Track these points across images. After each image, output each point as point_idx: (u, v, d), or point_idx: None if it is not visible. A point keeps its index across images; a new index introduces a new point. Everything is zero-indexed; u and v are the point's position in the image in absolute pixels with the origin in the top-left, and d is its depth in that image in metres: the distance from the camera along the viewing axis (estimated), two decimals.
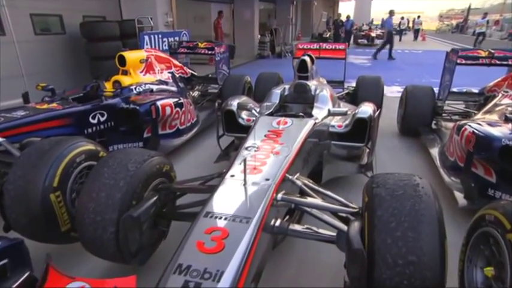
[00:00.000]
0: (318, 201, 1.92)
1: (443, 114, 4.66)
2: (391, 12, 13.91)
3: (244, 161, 1.88)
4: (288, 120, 2.68)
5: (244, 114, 3.46)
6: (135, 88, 4.04)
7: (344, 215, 1.83)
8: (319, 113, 3.03)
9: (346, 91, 5.31)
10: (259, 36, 14.75)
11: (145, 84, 4.23)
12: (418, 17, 27.47)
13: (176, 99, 4.07)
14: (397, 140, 4.74)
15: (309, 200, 1.93)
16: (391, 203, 1.47)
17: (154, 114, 3.68)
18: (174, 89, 4.68)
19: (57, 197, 2.03)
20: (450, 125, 3.86)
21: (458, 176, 3.00)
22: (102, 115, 3.51)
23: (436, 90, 4.77)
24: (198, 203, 1.95)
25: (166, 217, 2.17)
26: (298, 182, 2.06)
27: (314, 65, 4.09)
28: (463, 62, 4.48)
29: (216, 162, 3.50)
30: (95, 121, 3.47)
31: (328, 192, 2.01)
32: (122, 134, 3.65)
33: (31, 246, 1.63)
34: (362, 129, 3.14)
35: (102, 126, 3.53)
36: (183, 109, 4.17)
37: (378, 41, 20.38)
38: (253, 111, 3.25)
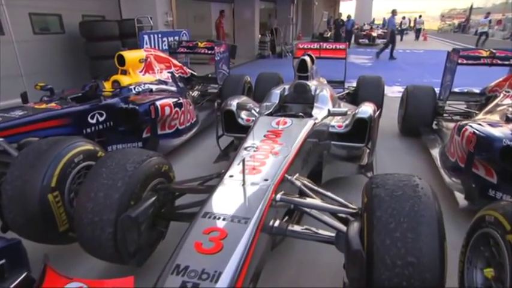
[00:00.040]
0: (317, 201, 1.91)
1: (444, 115, 4.64)
2: (394, 12, 13.88)
3: (243, 161, 1.87)
4: (288, 120, 2.67)
5: (243, 114, 3.45)
6: (134, 88, 4.03)
7: (343, 215, 1.83)
8: (319, 113, 3.01)
9: (346, 91, 5.29)
10: (259, 36, 14.74)
11: (145, 84, 4.22)
12: (420, 16, 27.44)
13: (175, 99, 4.06)
14: (397, 141, 4.72)
15: (308, 200, 1.92)
16: (390, 204, 1.47)
17: (154, 114, 3.66)
18: (173, 88, 4.68)
19: (55, 197, 2.02)
20: (451, 125, 3.85)
21: (459, 177, 2.99)
22: (101, 115, 3.50)
23: (437, 90, 4.75)
24: (197, 203, 1.94)
25: (165, 217, 2.16)
26: (298, 183, 2.05)
27: (314, 65, 4.08)
28: (464, 62, 4.47)
29: (215, 162, 3.49)
30: (94, 121, 3.46)
31: (328, 193, 2.00)
32: (120, 134, 3.65)
33: (29, 246, 1.61)
34: (362, 130, 3.13)
35: (101, 126, 3.52)
36: (183, 109, 4.16)
37: (379, 41, 20.39)
38: (253, 111, 3.25)
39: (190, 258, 1.38)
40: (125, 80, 4.07)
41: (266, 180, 1.91)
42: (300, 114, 2.95)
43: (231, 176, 1.97)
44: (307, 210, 1.88)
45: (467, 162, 2.80)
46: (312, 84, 3.54)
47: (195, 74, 5.97)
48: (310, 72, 3.75)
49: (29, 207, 1.95)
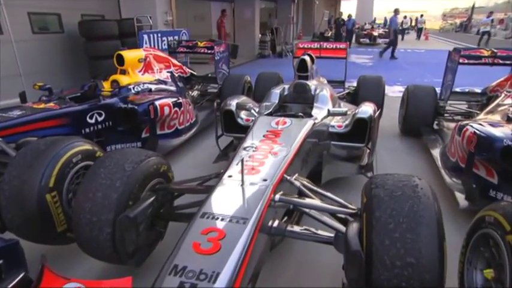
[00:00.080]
0: (316, 202, 1.91)
1: (445, 115, 4.63)
2: (396, 11, 13.84)
3: (242, 161, 1.87)
4: (287, 120, 2.66)
5: (243, 114, 3.44)
6: (134, 88, 4.02)
7: (343, 216, 1.82)
8: (318, 113, 3.01)
9: (347, 91, 5.28)
10: (259, 35, 14.71)
11: (144, 83, 4.21)
12: (421, 15, 27.35)
13: (175, 99, 4.05)
14: (398, 141, 4.71)
15: (307, 200, 1.92)
16: (389, 204, 1.46)
17: (153, 114, 3.65)
18: (173, 88, 4.66)
19: (53, 197, 2.01)
20: (452, 125, 3.83)
21: (459, 177, 2.98)
22: (100, 115, 3.49)
23: (438, 90, 4.74)
24: (196, 203, 1.94)
25: (164, 218, 2.16)
26: (297, 183, 2.04)
27: (314, 65, 4.07)
28: (466, 61, 4.46)
29: (215, 162, 3.48)
30: (93, 121, 3.45)
31: (327, 193, 1.99)
32: (119, 134, 3.64)
33: (26, 247, 1.61)
34: (362, 130, 3.12)
35: (99, 126, 3.51)
36: (182, 109, 4.15)
37: (380, 40, 20.35)
38: (252, 111, 3.24)
39: (188, 259, 1.37)
40: (124, 80, 4.06)
41: (265, 180, 1.91)
42: (300, 114, 2.94)
43: (230, 176, 1.96)
44: (306, 210, 1.88)
45: (467, 162, 2.78)
46: (312, 84, 3.53)
47: (195, 73, 5.96)
48: (310, 72, 3.73)
49: (27, 207, 1.94)
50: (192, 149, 4.40)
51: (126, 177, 1.88)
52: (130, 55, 4.30)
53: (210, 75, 6.30)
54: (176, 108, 4.01)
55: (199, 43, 5.83)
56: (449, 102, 4.67)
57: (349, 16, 19.10)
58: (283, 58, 14.03)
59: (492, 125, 2.80)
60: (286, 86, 3.57)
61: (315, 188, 2.07)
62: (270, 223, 1.78)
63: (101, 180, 1.87)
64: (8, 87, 5.06)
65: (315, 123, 2.76)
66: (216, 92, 5.62)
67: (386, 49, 14.13)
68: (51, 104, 3.36)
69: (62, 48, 6.88)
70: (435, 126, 4.57)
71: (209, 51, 5.74)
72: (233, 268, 1.34)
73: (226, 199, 1.78)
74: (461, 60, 4.44)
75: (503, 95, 3.88)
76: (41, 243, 2.09)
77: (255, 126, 2.63)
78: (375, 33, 21.04)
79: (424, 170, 3.69)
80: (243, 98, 3.69)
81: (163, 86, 4.51)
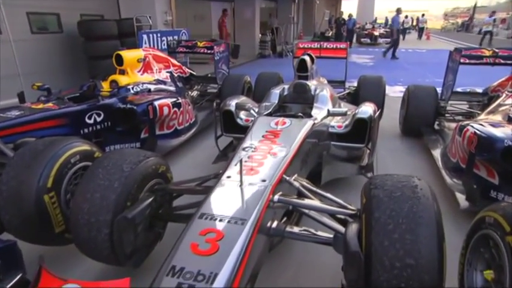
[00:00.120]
0: (315, 202, 1.90)
1: (446, 115, 4.61)
2: (398, 10, 13.81)
3: (240, 161, 1.86)
4: (287, 120, 2.65)
5: (242, 115, 3.43)
6: (133, 88, 4.00)
7: (342, 217, 1.81)
8: (318, 113, 3.00)
9: (347, 91, 5.27)
10: (260, 35, 14.70)
11: (143, 83, 4.19)
12: (423, 15, 27.25)
13: (174, 99, 4.04)
14: (398, 141, 4.70)
15: (307, 201, 1.91)
16: (388, 205, 1.46)
17: (152, 115, 3.64)
18: (172, 88, 4.65)
19: (51, 198, 2.00)
20: (453, 125, 3.81)
21: (460, 178, 2.97)
22: (99, 115, 3.48)
23: (439, 90, 4.72)
24: (195, 204, 1.94)
25: (162, 218, 2.15)
26: (296, 183, 2.03)
27: (314, 65, 4.06)
28: (467, 61, 4.44)
29: (214, 163, 3.47)
30: (91, 121, 3.44)
31: (327, 194, 1.99)
32: (118, 134, 3.63)
33: (24, 247, 1.61)
34: (362, 130, 3.11)
35: (98, 127, 3.50)
36: (181, 109, 4.14)
37: (381, 40, 20.32)
38: (252, 111, 3.23)
39: (186, 260, 1.37)
40: (123, 80, 4.04)
41: (264, 181, 1.90)
42: (300, 114, 2.93)
43: (229, 177, 1.96)
44: (306, 211, 1.87)
45: (468, 163, 2.77)
46: (312, 84, 3.52)
47: (194, 73, 5.95)
48: (310, 72, 3.73)
49: (25, 208, 1.93)
50: (192, 150, 4.39)
51: (125, 178, 1.87)
52: (129, 55, 4.29)
53: (209, 75, 6.29)
54: (175, 109, 4.00)
55: (198, 43, 5.82)
56: (450, 102, 4.66)
57: (350, 16, 19.03)
58: (283, 58, 14.01)
59: (493, 125, 2.79)
60: (286, 86, 3.56)
61: (314, 189, 2.06)
62: (268, 224, 1.78)
63: (99, 181, 1.86)
64: (7, 88, 5.05)
65: (314, 124, 2.75)
66: (215, 92, 5.61)
67: (390, 48, 14.08)
68: (50, 104, 3.35)
69: (61, 48, 6.87)
70: (436, 127, 4.55)
71: (209, 51, 5.74)
72: (231, 269, 1.34)
73: (225, 200, 1.78)
74: (462, 60, 4.42)
75: (504, 95, 3.86)
76: (38, 244, 2.09)
77: (254, 127, 2.63)
78: (376, 33, 21.03)
79: (425, 171, 3.68)
80: (243, 98, 3.68)
81: (162, 86, 4.50)
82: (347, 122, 3.21)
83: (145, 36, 6.90)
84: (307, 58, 3.74)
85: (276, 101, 3.33)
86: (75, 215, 1.84)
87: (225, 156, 3.51)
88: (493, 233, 1.48)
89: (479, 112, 4.14)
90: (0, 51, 5.40)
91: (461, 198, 2.77)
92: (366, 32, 21.57)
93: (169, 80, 4.81)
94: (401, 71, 10.79)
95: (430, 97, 4.46)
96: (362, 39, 21.06)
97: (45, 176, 1.99)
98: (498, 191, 2.64)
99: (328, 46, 5.78)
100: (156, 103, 3.70)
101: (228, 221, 1.57)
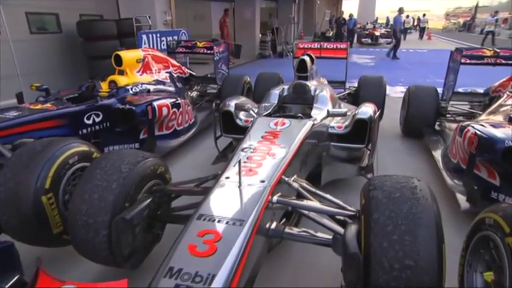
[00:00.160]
0: (314, 203, 1.89)
1: (447, 115, 4.60)
2: (401, 10, 13.78)
3: (239, 162, 1.86)
4: (286, 121, 2.64)
5: (242, 115, 3.42)
6: (132, 88, 3.99)
7: (342, 218, 1.80)
8: (318, 113, 2.99)
9: (347, 91, 5.25)
10: (260, 35, 14.68)
11: (142, 84, 4.19)
12: (424, 15, 27.16)
13: (173, 100, 4.03)
14: (399, 142, 4.68)
15: (306, 202, 1.90)
16: (387, 206, 1.45)
17: (151, 115, 3.62)
18: (171, 89, 4.64)
19: (49, 199, 2.00)
20: (454, 126, 3.80)
21: (460, 179, 2.95)
22: (97, 116, 3.47)
23: (440, 90, 4.70)
24: (194, 205, 1.92)
25: (161, 220, 2.14)
26: (295, 184, 2.03)
27: (314, 65, 4.05)
28: (468, 61, 4.42)
29: (213, 163, 3.46)
30: (90, 122, 3.43)
31: (326, 195, 1.98)
32: (117, 135, 3.62)
33: (21, 249, 1.60)
34: (362, 130, 3.10)
35: (97, 127, 3.49)
36: (181, 110, 4.13)
37: (381, 40, 20.29)
38: (251, 112, 3.22)
39: (183, 261, 1.37)
40: (122, 80, 4.04)
41: (263, 181, 1.89)
42: (299, 115, 2.92)
43: (227, 178, 1.95)
44: (305, 212, 1.86)
45: (468, 163, 2.76)
46: (312, 84, 3.52)
47: (194, 74, 5.93)
48: (309, 72, 3.72)
49: (22, 209, 1.92)
50: (191, 150, 4.38)
51: (123, 179, 1.87)
52: (128, 55, 4.28)
53: (209, 75, 6.28)
54: (175, 109, 3.99)
55: (198, 43, 5.81)
56: (451, 102, 4.64)
57: (351, 15, 18.99)
58: (283, 58, 14.00)
59: (493, 125, 2.77)
60: (286, 87, 3.55)
61: (313, 190, 2.05)
62: (267, 225, 1.77)
63: (97, 182, 1.86)
64: (6, 88, 5.04)
65: (314, 124, 2.74)
66: (215, 93, 5.61)
67: (393, 48, 14.03)
68: (48, 105, 3.35)
69: (60, 49, 6.86)
70: (437, 127, 4.53)
71: (208, 52, 5.73)
72: (229, 270, 1.33)
73: (223, 201, 1.77)
74: (463, 60, 4.41)
75: (505, 95, 3.84)
76: (36, 246, 2.08)
77: (254, 127, 2.62)
78: (377, 33, 20.98)
79: (425, 172, 3.66)
80: (242, 99, 3.67)
81: (161, 87, 4.49)
82: (347, 123, 3.20)
83: (144, 37, 6.89)
84: (306, 58, 3.74)
85: (276, 102, 3.32)
86: (73, 216, 1.83)
87: (225, 157, 3.49)
88: (493, 234, 1.47)
89: (480, 112, 4.12)
90: None
91: (461, 199, 2.75)
92: (367, 32, 21.52)
93: (168, 81, 4.80)
94: (402, 71, 10.77)
95: (431, 97, 4.44)
96: (363, 40, 21.01)
97: (43, 177, 1.98)
98: (499, 192, 2.62)
99: (328, 46, 5.76)
100: (155, 104, 3.69)
101: (227, 222, 1.57)
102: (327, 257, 1.92)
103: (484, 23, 21.91)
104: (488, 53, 4.48)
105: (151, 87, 4.28)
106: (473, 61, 4.45)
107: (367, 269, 1.35)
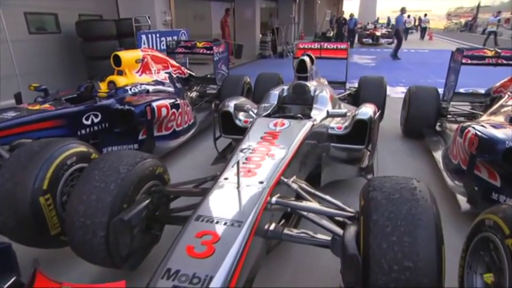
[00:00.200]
0: (313, 205, 1.88)
1: (448, 116, 4.58)
2: (403, 10, 13.74)
3: (237, 163, 1.85)
4: (286, 121, 2.63)
5: (241, 116, 3.41)
6: (131, 89, 3.97)
7: (341, 219, 1.80)
8: (317, 114, 2.98)
9: (347, 92, 5.24)
10: (260, 35, 14.66)
11: (141, 84, 4.17)
12: (425, 15, 27.09)
13: (173, 100, 4.01)
14: (400, 142, 4.66)
15: (305, 203, 1.89)
16: (387, 207, 1.45)
17: (150, 116, 3.60)
18: (171, 89, 4.63)
19: (46, 200, 1.99)
20: (455, 126, 3.79)
21: (461, 180, 2.94)
22: (96, 116, 3.46)
23: (441, 90, 4.69)
24: (193, 206, 1.91)
25: (159, 221, 2.14)
26: (294, 185, 2.02)
27: (314, 65, 4.05)
28: (469, 61, 4.41)
29: (213, 164, 3.45)
30: (89, 122, 3.42)
31: (326, 196, 1.97)
32: (116, 135, 3.61)
33: (19, 250, 1.59)
34: (362, 131, 3.09)
35: (95, 128, 3.49)
36: (180, 110, 4.11)
37: (382, 40, 20.25)
38: (251, 112, 3.21)
39: (181, 262, 1.36)
40: (120, 81, 4.02)
41: (261, 182, 1.89)
42: (299, 115, 2.91)
43: (226, 179, 1.94)
44: (304, 213, 1.86)
45: (469, 164, 2.74)
46: (312, 85, 3.51)
47: (194, 74, 5.92)
48: (309, 72, 3.71)
49: (20, 210, 1.91)
50: (191, 151, 4.37)
51: (121, 180, 1.86)
52: (127, 56, 4.26)
53: (209, 76, 6.27)
54: (174, 110, 3.97)
55: (198, 43, 5.80)
56: (452, 103, 4.62)
57: (351, 15, 18.96)
58: (284, 59, 13.97)
59: (494, 126, 2.75)
60: (286, 87, 3.54)
61: (312, 191, 2.05)
62: (266, 226, 1.76)
63: (95, 183, 1.85)
64: (5, 88, 5.03)
65: (313, 125, 2.73)
66: (215, 93, 5.59)
67: (395, 48, 13.99)
68: (47, 105, 3.33)
69: (59, 49, 6.84)
70: (438, 128, 4.52)
71: (208, 52, 5.72)
72: (227, 272, 1.33)
73: (222, 202, 1.76)
74: (464, 61, 4.39)
75: (506, 96, 3.82)
76: (34, 247, 2.07)
77: (253, 128, 2.61)
78: (378, 33, 20.92)
79: (426, 173, 3.65)
80: (242, 99, 3.66)
81: (161, 87, 4.47)
82: (347, 123, 3.19)
83: (144, 37, 6.87)
84: (306, 59, 3.73)
85: (275, 102, 3.31)
86: (70, 217, 1.83)
87: (224, 157, 3.49)
88: (493, 235, 1.46)
89: (481, 113, 4.10)
90: None
91: (462, 200, 2.74)
92: (368, 32, 21.47)
93: (168, 81, 4.78)
94: (403, 72, 10.75)
95: (432, 98, 4.42)
96: (364, 40, 20.97)
97: (40, 177, 1.97)
98: (500, 193, 2.61)
99: (328, 47, 5.75)
100: (154, 104, 3.67)
101: (225, 223, 1.56)
102: (326, 258, 1.91)
103: (486, 23, 21.79)
104: (490, 54, 4.46)
105: (151, 88, 4.27)
106: (474, 61, 4.43)
107: (366, 270, 1.35)
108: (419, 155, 4.18)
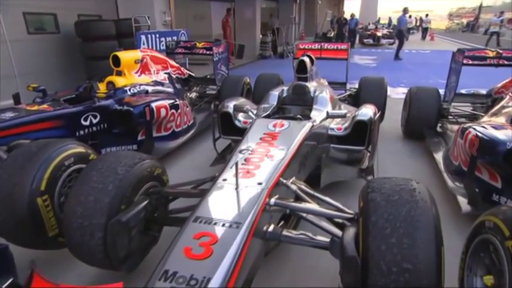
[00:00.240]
0: (312, 206, 1.87)
1: (449, 117, 4.56)
2: (405, 10, 13.72)
3: (236, 164, 1.85)
4: (285, 122, 2.62)
5: (241, 117, 3.40)
6: (130, 89, 3.96)
7: (340, 220, 1.79)
8: (317, 115, 2.97)
9: (348, 93, 5.22)
10: (260, 36, 14.65)
11: (140, 85, 4.16)
12: (427, 15, 27.03)
13: (172, 101, 4.00)
14: (400, 143, 4.65)
15: (303, 205, 1.89)
16: (386, 209, 1.44)
17: (149, 116, 3.59)
18: (170, 90, 4.61)
19: (44, 201, 1.98)
20: (456, 127, 3.77)
21: (462, 181, 2.92)
22: (95, 117, 3.46)
23: (442, 91, 4.67)
24: (191, 207, 1.90)
25: (158, 222, 2.12)
26: (293, 187, 2.01)
27: (314, 66, 4.04)
28: (470, 62, 4.39)
29: (212, 165, 3.44)
30: (87, 123, 3.41)
31: (325, 197, 1.96)
32: (115, 136, 3.59)
33: (16, 251, 1.59)
34: (362, 132, 3.07)
35: (94, 129, 3.48)
36: (179, 111, 4.10)
37: (384, 41, 20.22)
38: (250, 113, 3.20)
39: (179, 264, 1.36)
40: (119, 81, 4.00)
41: (260, 184, 1.88)
42: (298, 116, 2.90)
43: (225, 180, 1.93)
44: (303, 215, 1.85)
45: (470, 166, 2.73)
46: (311, 85, 3.50)
47: (193, 75, 5.92)
48: (309, 73, 3.70)
49: (17, 211, 1.91)
50: (190, 152, 4.36)
51: (119, 181, 1.85)
52: (126, 56, 4.25)
53: (208, 76, 6.26)
54: (173, 110, 3.96)
55: (197, 44, 5.79)
56: (453, 104, 4.61)
57: (352, 15, 18.91)
58: (284, 59, 13.95)
59: (495, 127, 2.74)
60: (285, 88, 3.54)
61: (311, 192, 2.04)
62: (265, 227, 1.76)
63: (93, 184, 1.84)
64: (4, 88, 5.01)
65: (313, 126, 2.72)
66: (214, 94, 5.58)
67: (400, 49, 13.98)
68: (45, 106, 3.32)
69: (58, 49, 6.82)
70: (438, 129, 4.50)
71: (208, 52, 5.71)
72: (225, 273, 1.32)
73: (220, 203, 1.76)
74: (465, 61, 4.37)
75: (508, 96, 3.81)
76: (31, 248, 2.06)
77: (252, 129, 2.60)
78: (379, 34, 20.87)
79: (427, 174, 3.63)
80: (241, 100, 3.65)
81: (160, 88, 4.46)
82: (347, 124, 3.18)
83: (143, 37, 6.83)
84: (306, 59, 3.72)
85: (275, 103, 3.31)
86: (68, 219, 1.82)
87: (223, 158, 3.47)
88: (493, 237, 1.45)
89: (482, 114, 4.08)
90: None
91: (463, 201, 2.73)
92: (369, 33, 21.42)
93: (167, 82, 4.76)
94: (404, 72, 10.73)
95: (433, 99, 4.41)
96: (365, 40, 20.91)
97: (38, 178, 1.96)
98: (500, 194, 2.59)
99: (329, 47, 5.74)
100: (154, 105, 3.66)
101: (223, 225, 1.55)
102: (325, 260, 1.90)
103: (489, 23, 21.75)
104: (491, 54, 4.44)
105: (150, 88, 4.25)
106: (475, 62, 4.41)
107: (365, 272, 1.34)
108: (420, 156, 4.16)
